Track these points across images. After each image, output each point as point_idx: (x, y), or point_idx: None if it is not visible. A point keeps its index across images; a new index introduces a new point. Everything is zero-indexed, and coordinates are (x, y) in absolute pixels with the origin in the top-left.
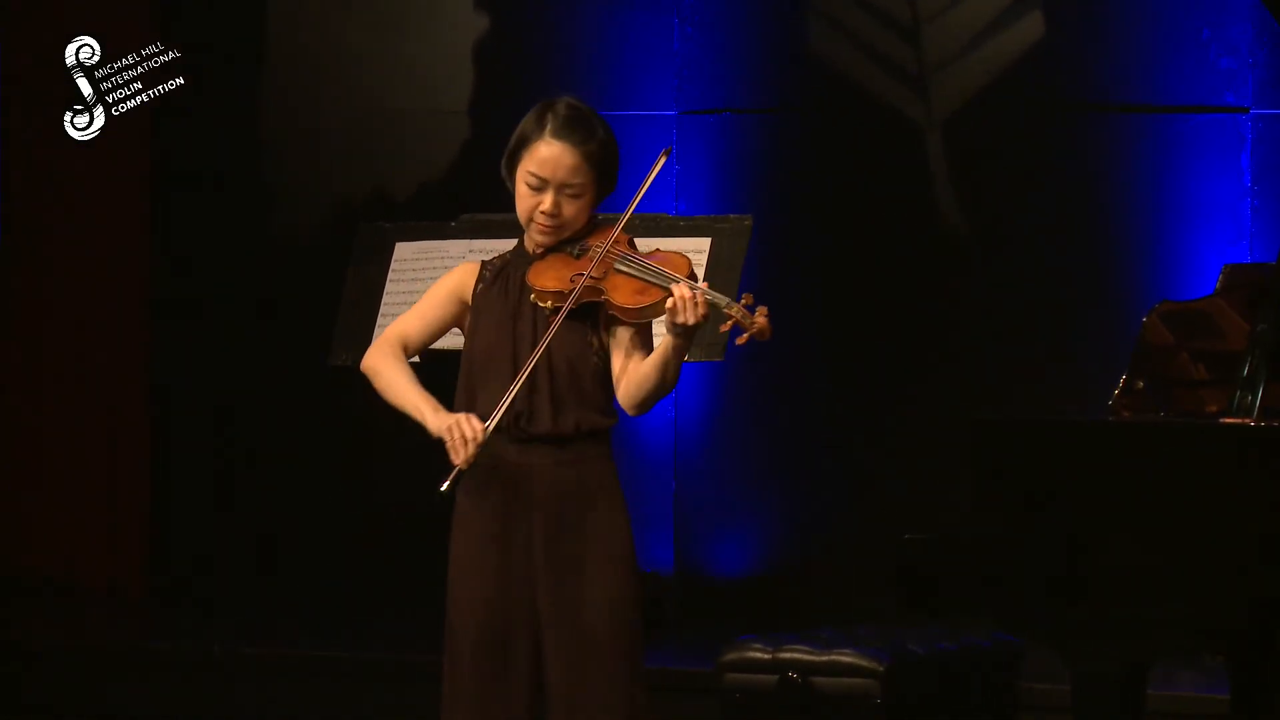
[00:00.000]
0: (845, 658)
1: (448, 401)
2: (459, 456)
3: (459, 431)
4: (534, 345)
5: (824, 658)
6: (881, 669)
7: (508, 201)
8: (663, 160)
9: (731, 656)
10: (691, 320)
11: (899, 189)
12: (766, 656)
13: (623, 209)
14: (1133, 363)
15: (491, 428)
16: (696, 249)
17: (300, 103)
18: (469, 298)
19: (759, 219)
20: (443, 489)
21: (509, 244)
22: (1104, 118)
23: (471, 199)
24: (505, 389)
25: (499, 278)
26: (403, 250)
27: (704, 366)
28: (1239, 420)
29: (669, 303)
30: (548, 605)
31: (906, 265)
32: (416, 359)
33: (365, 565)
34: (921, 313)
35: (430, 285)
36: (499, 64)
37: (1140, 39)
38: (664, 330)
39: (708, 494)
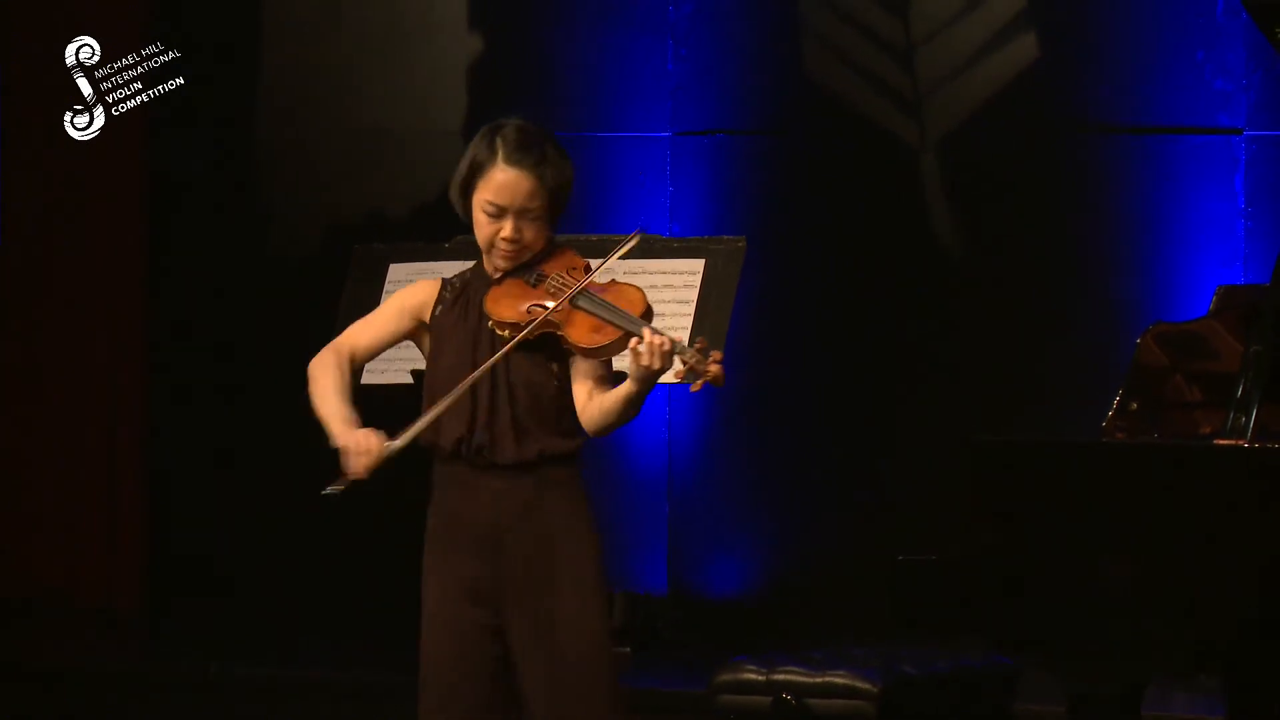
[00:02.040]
0: (839, 679)
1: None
2: (352, 468)
3: (356, 443)
4: (493, 372)
5: (818, 679)
6: (876, 690)
7: None
8: (634, 241)
9: (725, 678)
10: (656, 365)
11: (893, 210)
12: (760, 678)
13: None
14: (1127, 384)
15: (398, 446)
16: (691, 270)
17: (295, 124)
18: (427, 317)
19: (753, 240)
20: (325, 492)
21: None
22: (1098, 139)
23: (465, 220)
24: (466, 413)
25: (459, 300)
26: (397, 271)
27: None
28: (1233, 442)
29: (633, 343)
30: (519, 634)
31: (900, 286)
32: (411, 379)
33: (363, 586)
34: (915, 334)
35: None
36: (493, 85)
37: (1134, 60)
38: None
39: (701, 515)
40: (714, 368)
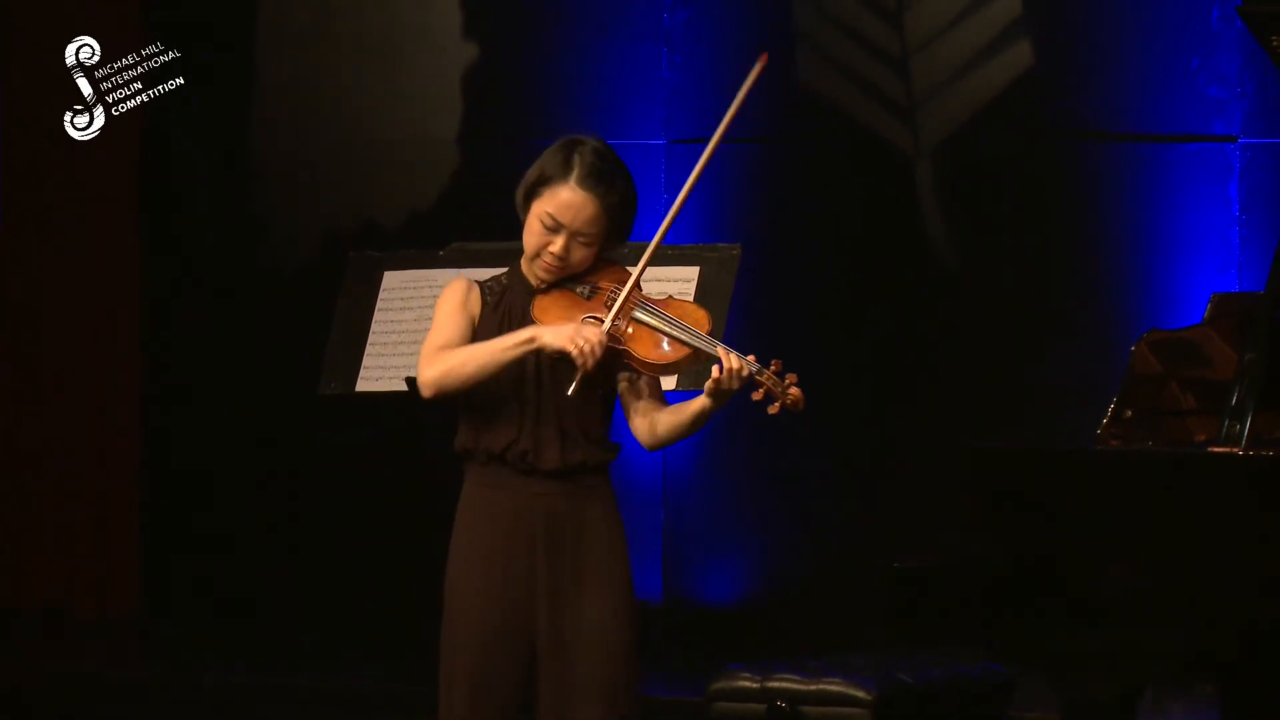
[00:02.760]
0: (834, 687)
1: (449, 435)
2: (589, 363)
3: (582, 341)
4: (538, 379)
5: (813, 687)
6: (871, 698)
7: (497, 230)
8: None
9: (720, 685)
10: (736, 387)
11: (888, 218)
12: (755, 685)
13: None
14: (1121, 391)
15: (608, 327)
16: (685, 278)
17: (289, 132)
18: (476, 317)
19: (748, 248)
20: (570, 392)
21: (498, 272)
22: (1093, 146)
23: (461, 228)
24: (510, 423)
25: (500, 305)
26: (391, 279)
27: (692, 396)
28: (1227, 449)
29: (714, 369)
30: (546, 638)
31: (895, 294)
32: (405, 386)
33: (357, 593)
34: (910, 341)
35: (423, 311)
36: (488, 93)
37: (1129, 68)
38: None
39: (696, 522)
40: (794, 391)
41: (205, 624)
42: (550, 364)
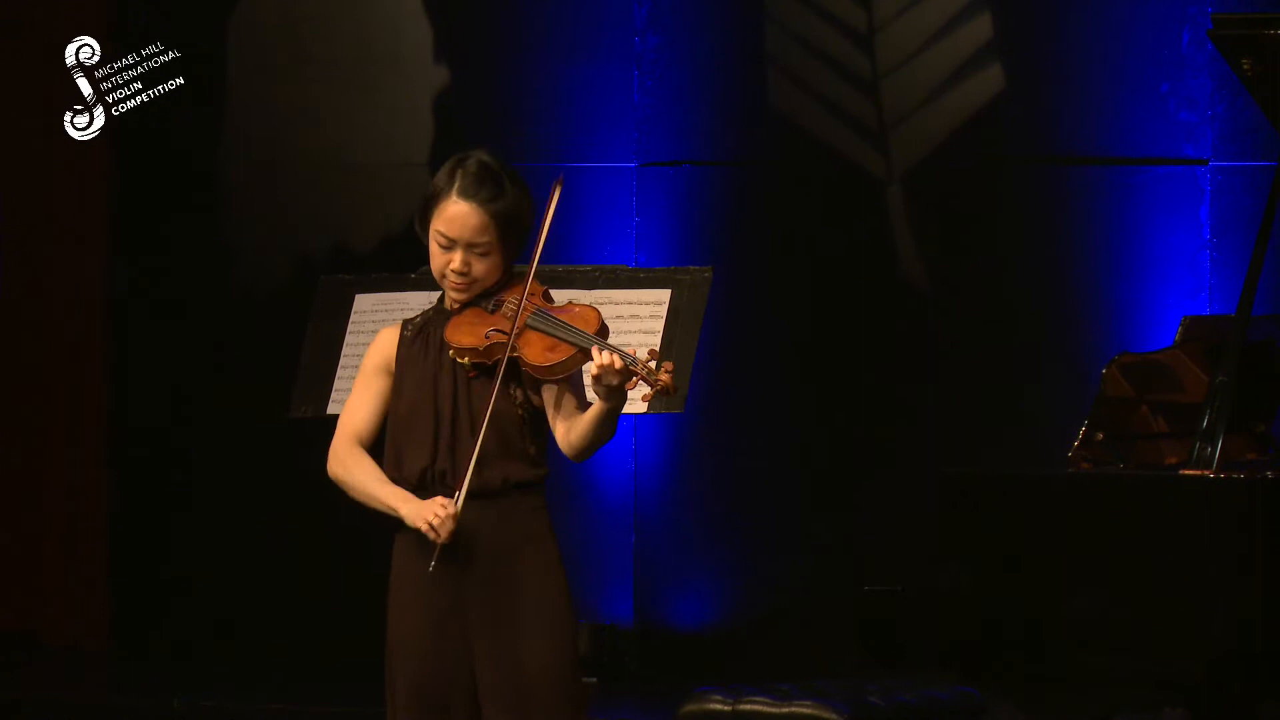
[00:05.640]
0: (805, 710)
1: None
2: (439, 537)
3: (430, 517)
4: (455, 402)
5: (784, 710)
6: None
7: None
8: (557, 192)
9: (691, 709)
10: (615, 382)
11: (859, 241)
12: (726, 709)
13: (547, 257)
14: (1093, 415)
15: (461, 500)
16: (656, 300)
17: (260, 156)
18: (394, 364)
19: (719, 271)
20: (430, 568)
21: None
22: (1064, 170)
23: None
24: (430, 447)
25: (420, 335)
26: (363, 302)
27: (663, 419)
28: (1198, 472)
29: (593, 368)
30: (485, 665)
31: (866, 318)
32: None
33: (325, 619)
34: (881, 365)
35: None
36: (459, 116)
37: (1100, 92)
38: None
39: (667, 546)
40: (665, 376)
41: (175, 649)
42: (467, 381)
